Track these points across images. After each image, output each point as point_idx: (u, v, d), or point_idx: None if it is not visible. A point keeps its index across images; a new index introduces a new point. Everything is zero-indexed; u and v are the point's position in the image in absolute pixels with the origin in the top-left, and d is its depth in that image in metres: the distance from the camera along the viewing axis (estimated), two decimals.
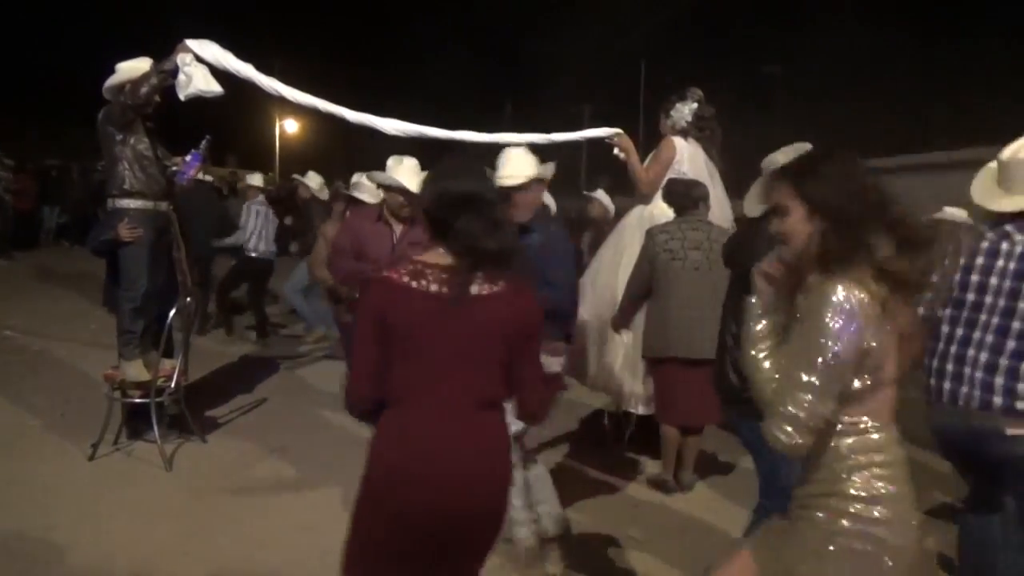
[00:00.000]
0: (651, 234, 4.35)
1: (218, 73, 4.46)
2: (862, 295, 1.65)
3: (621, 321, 4.50)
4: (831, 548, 1.72)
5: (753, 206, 3.12)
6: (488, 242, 1.94)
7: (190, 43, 4.49)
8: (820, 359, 1.64)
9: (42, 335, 7.37)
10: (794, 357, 1.70)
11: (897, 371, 1.76)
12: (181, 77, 4.42)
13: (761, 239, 2.85)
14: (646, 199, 5.02)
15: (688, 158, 4.93)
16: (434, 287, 1.93)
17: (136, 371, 4.53)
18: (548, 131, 4.92)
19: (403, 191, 4.02)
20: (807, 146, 3.09)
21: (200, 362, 6.21)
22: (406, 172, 4.05)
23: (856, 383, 1.70)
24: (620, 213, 5.37)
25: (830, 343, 1.63)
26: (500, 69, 39.09)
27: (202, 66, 4.45)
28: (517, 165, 3.56)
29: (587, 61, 32.51)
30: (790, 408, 1.66)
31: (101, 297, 6.28)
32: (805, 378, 1.65)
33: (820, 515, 1.75)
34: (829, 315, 1.64)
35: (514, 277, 2.01)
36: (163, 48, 4.60)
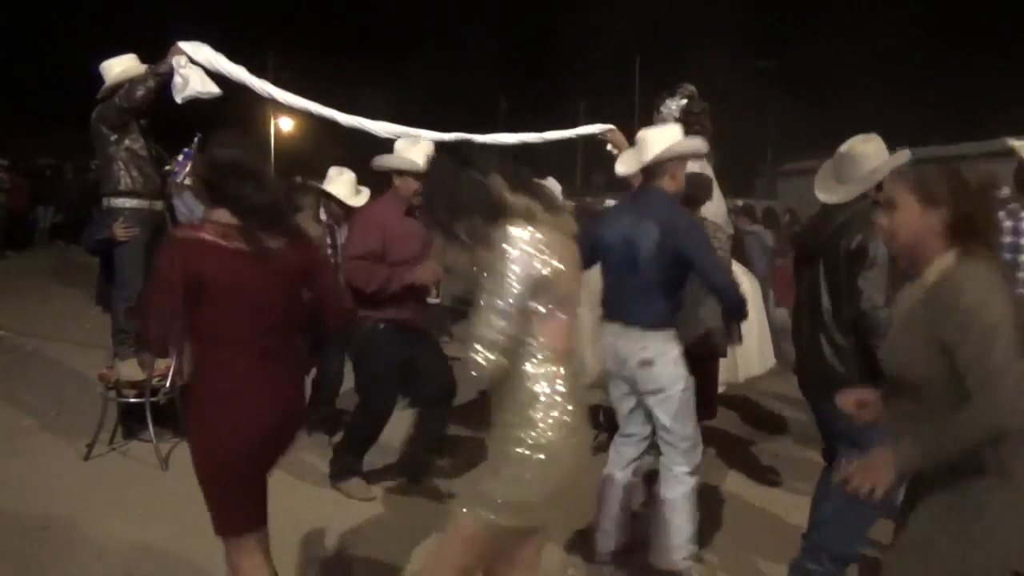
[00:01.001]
0: None
1: (212, 75, 4.46)
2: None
3: None
4: (505, 468, 1.98)
5: (830, 192, 3.12)
6: (257, 198, 2.27)
7: (183, 45, 4.48)
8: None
9: (36, 335, 7.35)
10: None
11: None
12: (177, 80, 4.42)
13: (833, 224, 3.02)
14: None
15: None
16: (237, 244, 2.24)
17: (131, 370, 4.52)
18: (544, 127, 4.91)
19: (420, 175, 3.71)
20: (875, 137, 3.11)
21: None
22: (423, 154, 3.82)
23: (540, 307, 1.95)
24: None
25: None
26: (496, 65, 39.06)
27: (197, 68, 4.45)
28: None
29: (582, 57, 32.51)
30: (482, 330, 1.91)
31: (95, 296, 6.26)
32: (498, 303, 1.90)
33: (502, 434, 2.02)
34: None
35: (291, 229, 2.41)
36: (157, 45, 4.59)
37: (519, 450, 1.96)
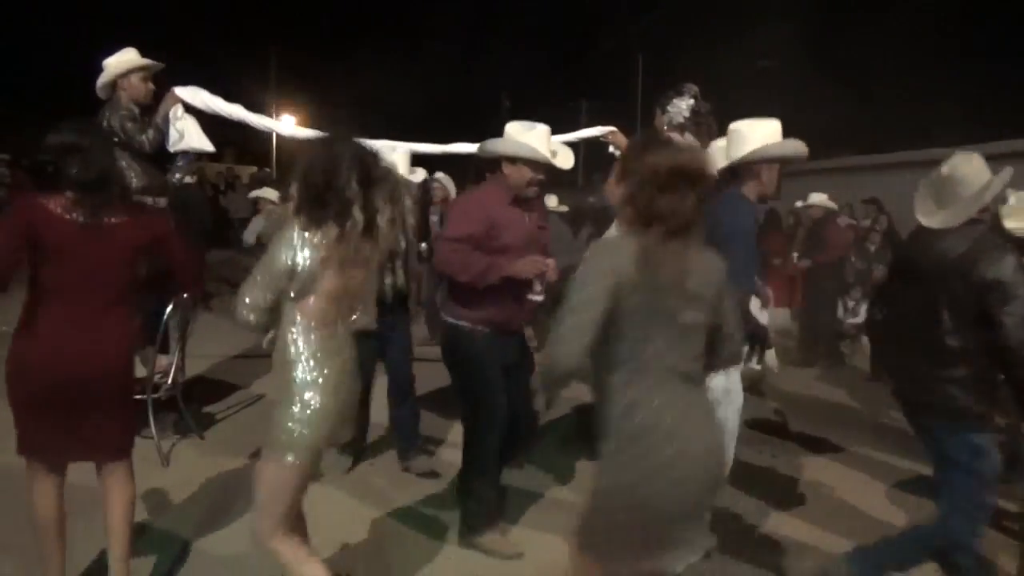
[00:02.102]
0: None
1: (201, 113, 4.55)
2: None
3: None
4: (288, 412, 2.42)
5: (930, 216, 2.94)
6: (83, 176, 2.64)
7: (179, 92, 4.54)
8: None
9: None
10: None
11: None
12: (173, 132, 4.52)
13: (948, 250, 2.84)
14: None
15: None
16: (73, 215, 2.64)
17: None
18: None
19: (537, 163, 3.43)
20: (975, 156, 2.94)
21: (197, 359, 6.20)
22: (541, 140, 3.48)
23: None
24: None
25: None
26: (498, 64, 39.06)
27: (192, 120, 4.55)
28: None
29: (584, 56, 32.50)
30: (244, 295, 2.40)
31: None
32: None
33: (280, 387, 2.46)
34: None
35: (142, 208, 3.11)
36: (159, 42, 4.61)
37: (296, 399, 2.41)
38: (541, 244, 3.55)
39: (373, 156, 2.45)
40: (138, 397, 4.52)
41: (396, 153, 4.01)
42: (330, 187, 2.35)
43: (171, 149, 4.55)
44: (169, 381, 4.59)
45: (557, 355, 1.97)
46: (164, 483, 4.17)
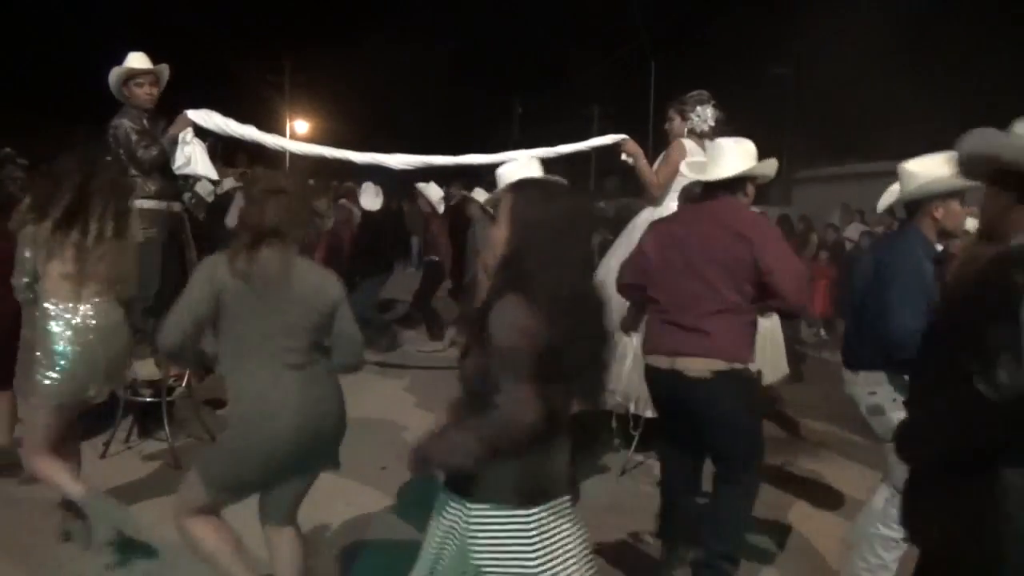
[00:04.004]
0: None
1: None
2: None
3: (630, 323, 4.48)
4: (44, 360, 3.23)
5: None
6: None
7: (191, 115, 4.58)
8: None
9: None
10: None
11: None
12: (180, 156, 4.55)
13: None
14: (655, 201, 5.02)
15: None
16: None
17: (148, 370, 4.56)
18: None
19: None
20: None
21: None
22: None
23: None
24: (630, 215, 5.35)
25: None
26: (510, 70, 39.16)
27: (200, 145, 4.61)
28: None
29: (596, 62, 32.53)
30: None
31: None
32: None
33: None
34: None
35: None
36: (175, 47, 4.65)
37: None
38: None
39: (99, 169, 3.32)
40: (152, 400, 4.58)
41: (519, 161, 3.86)
42: (55, 196, 3.19)
43: (176, 172, 4.59)
44: (183, 384, 4.62)
45: (161, 342, 2.58)
46: (177, 484, 4.18)
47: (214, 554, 2.67)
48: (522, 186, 2.21)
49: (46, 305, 3.22)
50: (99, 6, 29.78)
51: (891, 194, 3.47)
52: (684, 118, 4.99)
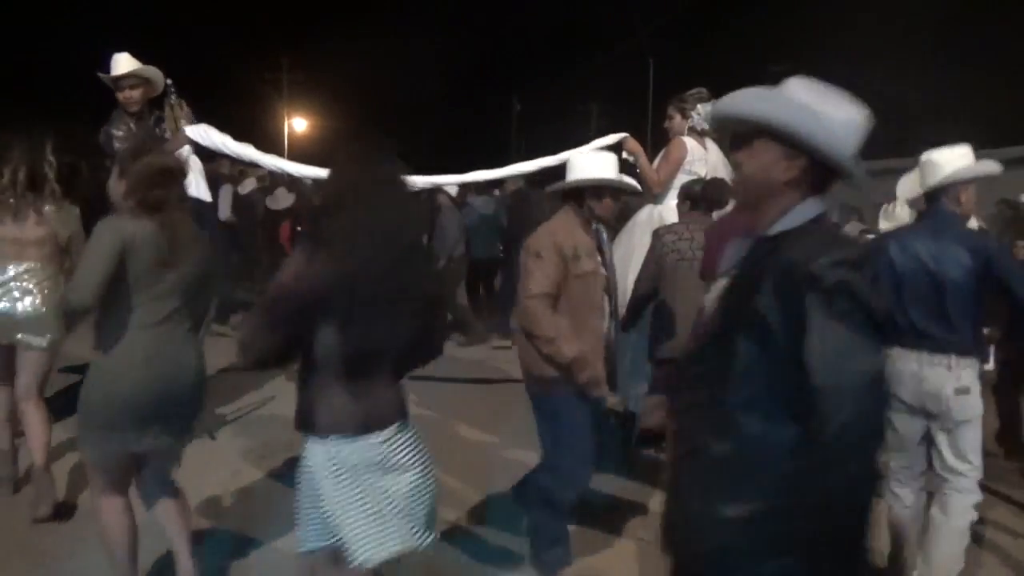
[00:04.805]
0: (658, 234, 4.33)
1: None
2: None
3: (629, 321, 4.49)
4: None
5: None
6: None
7: (189, 132, 4.57)
8: None
9: None
10: None
11: None
12: None
13: None
14: (656, 199, 5.02)
15: (703, 158, 4.92)
16: None
17: None
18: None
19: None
20: None
21: (208, 360, 6.23)
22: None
23: None
24: (630, 212, 5.35)
25: None
26: (508, 67, 39.12)
27: (197, 166, 4.64)
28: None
29: (595, 59, 32.48)
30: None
31: None
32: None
33: None
34: None
35: None
36: (173, 45, 4.65)
37: None
38: None
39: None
40: None
41: (598, 159, 3.61)
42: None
43: None
44: None
45: (70, 299, 2.80)
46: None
47: (113, 544, 2.93)
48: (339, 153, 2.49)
49: None
50: (98, 4, 29.74)
51: (912, 183, 3.57)
52: (684, 116, 4.99)
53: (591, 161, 3.49)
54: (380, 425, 2.20)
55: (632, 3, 28.66)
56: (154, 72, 4.81)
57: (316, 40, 37.03)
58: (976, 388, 3.22)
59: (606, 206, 3.39)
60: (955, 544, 3.26)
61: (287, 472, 4.48)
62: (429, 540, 2.29)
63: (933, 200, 3.35)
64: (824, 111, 1.67)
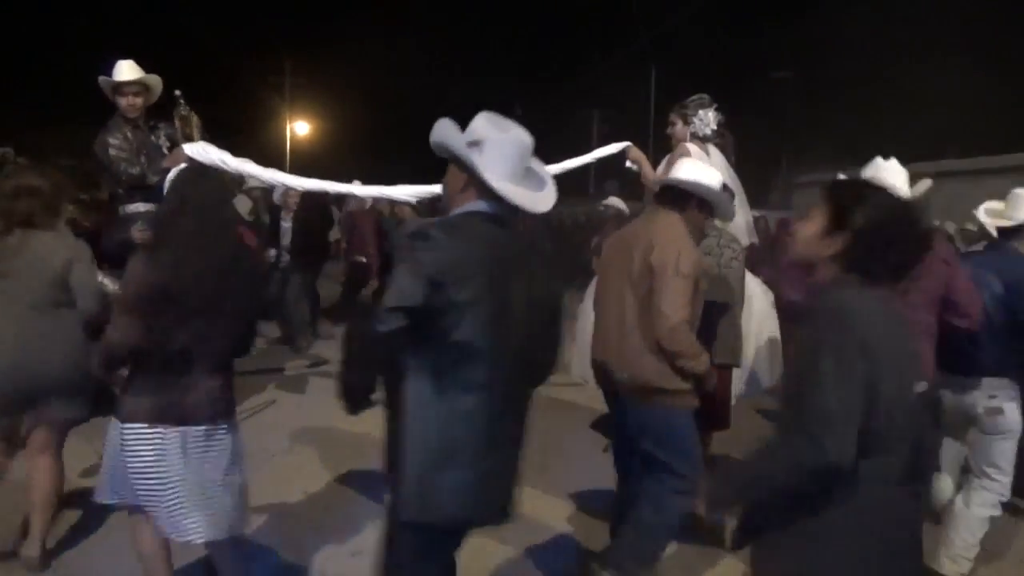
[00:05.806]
0: None
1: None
2: None
3: None
4: None
5: None
6: None
7: (188, 150, 4.56)
8: None
9: None
10: None
11: None
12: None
13: None
14: None
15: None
16: None
17: None
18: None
19: None
20: None
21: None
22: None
23: None
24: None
25: None
26: (511, 73, 39.19)
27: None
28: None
29: (597, 65, 32.53)
30: None
31: None
32: None
33: None
34: None
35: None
36: (177, 48, 4.66)
37: None
38: None
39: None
40: None
41: (710, 172, 3.58)
42: None
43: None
44: None
45: None
46: None
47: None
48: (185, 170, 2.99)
49: None
50: (100, 6, 29.80)
51: (993, 213, 3.72)
52: (686, 122, 4.98)
53: (707, 172, 3.48)
54: (183, 421, 2.65)
55: (635, 9, 28.71)
56: (155, 80, 4.82)
57: (319, 43, 37.12)
58: (1012, 406, 3.41)
59: (701, 219, 3.46)
60: (973, 531, 3.43)
61: (281, 476, 4.48)
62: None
63: (1009, 235, 3.60)
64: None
